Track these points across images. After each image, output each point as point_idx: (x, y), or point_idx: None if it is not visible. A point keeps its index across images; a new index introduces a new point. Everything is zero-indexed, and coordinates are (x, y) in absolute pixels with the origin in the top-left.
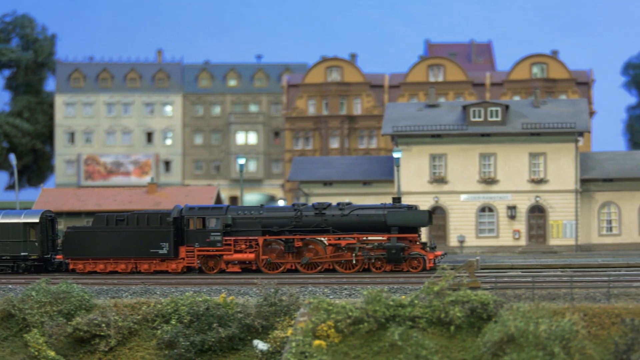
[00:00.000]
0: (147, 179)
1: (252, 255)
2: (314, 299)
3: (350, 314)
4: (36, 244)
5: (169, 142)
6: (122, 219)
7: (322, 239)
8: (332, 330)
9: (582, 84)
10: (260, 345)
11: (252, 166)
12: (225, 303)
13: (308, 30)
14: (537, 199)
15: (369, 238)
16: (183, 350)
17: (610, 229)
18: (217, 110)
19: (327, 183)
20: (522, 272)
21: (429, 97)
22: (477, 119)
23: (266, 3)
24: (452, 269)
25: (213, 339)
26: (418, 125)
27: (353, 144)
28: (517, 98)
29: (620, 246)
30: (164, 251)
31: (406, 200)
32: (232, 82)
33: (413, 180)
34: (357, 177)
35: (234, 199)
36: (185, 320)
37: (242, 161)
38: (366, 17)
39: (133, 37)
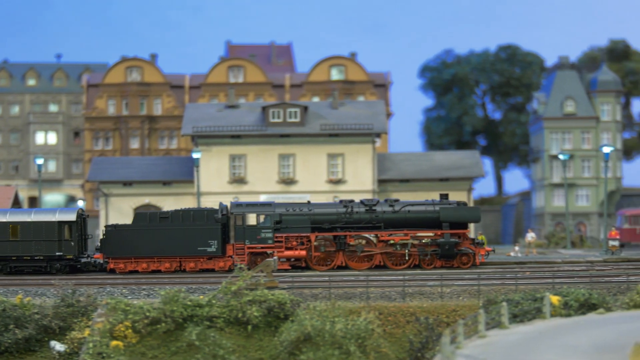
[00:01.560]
0: None
1: (303, 252)
2: (112, 299)
3: (147, 314)
4: (72, 243)
5: None
6: (165, 217)
7: (373, 235)
8: (130, 330)
9: (380, 86)
10: (57, 346)
11: (52, 166)
12: (21, 304)
13: (108, 30)
14: (336, 199)
15: (421, 234)
16: None
17: None
18: (15, 109)
19: (126, 183)
20: (320, 272)
21: (228, 98)
22: (276, 120)
23: (66, 2)
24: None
25: (9, 341)
26: (218, 125)
27: (153, 144)
28: (316, 99)
29: None
30: (213, 249)
31: (206, 201)
32: (31, 82)
33: (213, 180)
34: (157, 178)
35: (32, 200)
36: None
37: (40, 161)
38: (167, 18)
39: None
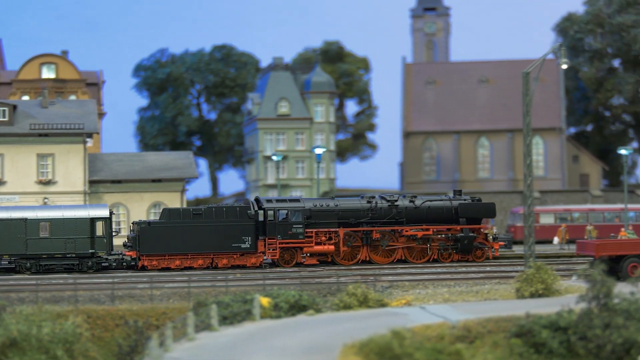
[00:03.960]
0: None
1: (332, 247)
2: None
3: None
4: (104, 240)
5: None
6: (198, 213)
7: (398, 230)
8: None
9: (92, 85)
10: None
11: None
12: None
13: None
14: (46, 200)
15: (442, 229)
16: None
17: (120, 230)
18: None
19: None
20: (29, 276)
21: None
22: None
23: None
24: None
25: None
26: None
27: None
28: (26, 98)
29: None
30: (247, 245)
31: None
32: None
33: None
34: None
35: None
36: None
37: None
38: None
39: None
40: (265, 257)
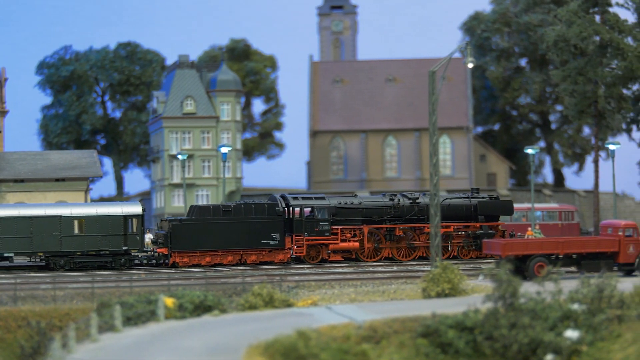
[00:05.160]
0: None
1: (357, 244)
2: None
3: None
4: (137, 237)
5: None
6: (228, 210)
7: (419, 227)
8: None
9: None
10: None
11: None
12: None
13: None
14: None
15: (461, 226)
16: None
17: None
18: None
19: None
20: None
21: None
22: None
23: None
24: None
25: None
26: None
27: None
28: None
29: None
30: (275, 242)
31: None
32: None
33: None
34: None
35: None
36: None
37: None
38: None
39: None
40: (292, 254)
